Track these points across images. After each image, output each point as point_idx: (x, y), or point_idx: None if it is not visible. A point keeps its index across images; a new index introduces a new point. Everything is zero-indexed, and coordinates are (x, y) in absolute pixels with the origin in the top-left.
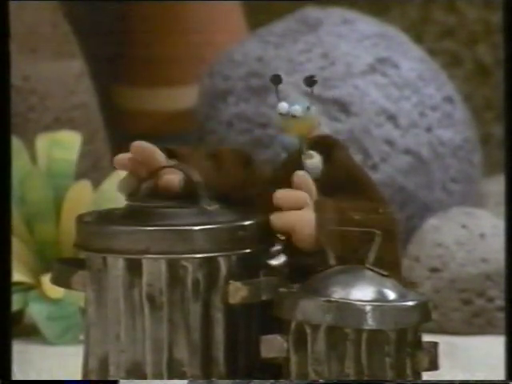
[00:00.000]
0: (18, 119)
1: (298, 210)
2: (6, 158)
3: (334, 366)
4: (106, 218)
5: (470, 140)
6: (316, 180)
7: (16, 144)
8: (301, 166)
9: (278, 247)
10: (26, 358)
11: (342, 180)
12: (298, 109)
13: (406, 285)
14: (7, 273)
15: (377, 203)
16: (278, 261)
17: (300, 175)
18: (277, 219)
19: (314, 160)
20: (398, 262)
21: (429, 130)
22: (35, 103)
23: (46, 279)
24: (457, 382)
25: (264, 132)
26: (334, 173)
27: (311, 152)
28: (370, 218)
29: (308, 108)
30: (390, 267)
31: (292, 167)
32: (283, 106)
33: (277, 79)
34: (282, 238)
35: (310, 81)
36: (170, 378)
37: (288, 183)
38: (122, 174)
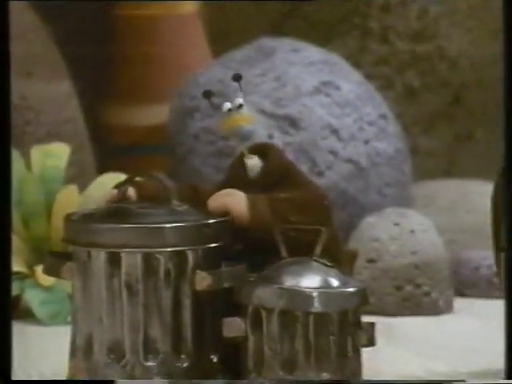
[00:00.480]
0: (16, 132)
1: (229, 195)
2: (7, 167)
3: (285, 343)
4: (90, 217)
5: (401, 151)
6: (255, 179)
7: (14, 154)
8: (244, 167)
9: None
10: (23, 337)
11: (278, 177)
12: (239, 99)
13: (347, 253)
14: (8, 267)
15: (311, 195)
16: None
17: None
18: (212, 201)
19: (254, 161)
20: (338, 237)
21: (366, 142)
22: (31, 119)
23: (39, 269)
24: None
25: (226, 143)
26: (271, 172)
27: (251, 155)
28: (299, 208)
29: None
30: (330, 244)
31: (238, 168)
32: (227, 104)
33: (208, 94)
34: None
35: (237, 76)
36: (145, 354)
37: (235, 182)
38: (104, 179)
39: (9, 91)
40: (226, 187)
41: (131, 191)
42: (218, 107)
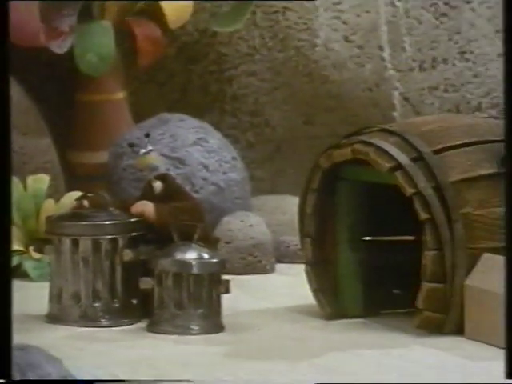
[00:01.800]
0: (17, 168)
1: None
2: (9, 189)
3: (176, 292)
4: (61, 218)
5: (245, 178)
6: (159, 195)
7: (15, 180)
8: (151, 187)
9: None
10: (22, 289)
11: (173, 194)
12: (150, 147)
13: (213, 239)
14: (8, 255)
15: (191, 204)
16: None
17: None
18: (134, 208)
19: (157, 184)
20: (208, 229)
21: (224, 173)
22: (26, 160)
23: (31, 249)
24: None
25: (141, 174)
26: (168, 190)
27: (156, 180)
28: (186, 212)
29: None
30: (203, 233)
31: (148, 188)
32: (142, 150)
33: (131, 145)
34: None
35: (147, 134)
36: (93, 299)
37: (147, 197)
38: (70, 195)
39: (10, 144)
40: (141, 200)
41: (85, 202)
42: (137, 152)
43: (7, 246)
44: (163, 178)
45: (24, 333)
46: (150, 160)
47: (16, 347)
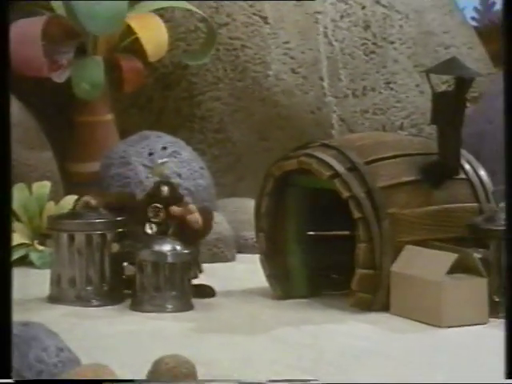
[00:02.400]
0: (24, 176)
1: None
2: (9, 193)
3: (153, 279)
4: (60, 216)
5: (210, 184)
6: (164, 197)
7: (22, 186)
8: (159, 190)
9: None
10: (28, 276)
11: (174, 198)
12: (164, 159)
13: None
14: (8, 248)
15: (207, 210)
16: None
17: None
18: (174, 210)
19: (165, 188)
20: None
21: (194, 179)
22: (32, 169)
23: (36, 242)
24: None
25: (126, 181)
26: (171, 194)
27: (164, 185)
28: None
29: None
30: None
31: (156, 190)
32: (157, 160)
33: (151, 154)
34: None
35: (164, 147)
36: (86, 283)
37: (154, 198)
38: (67, 199)
39: (10, 154)
40: (146, 200)
41: (92, 201)
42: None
43: (8, 240)
44: (169, 184)
45: (28, 311)
46: (165, 169)
47: (19, 323)
